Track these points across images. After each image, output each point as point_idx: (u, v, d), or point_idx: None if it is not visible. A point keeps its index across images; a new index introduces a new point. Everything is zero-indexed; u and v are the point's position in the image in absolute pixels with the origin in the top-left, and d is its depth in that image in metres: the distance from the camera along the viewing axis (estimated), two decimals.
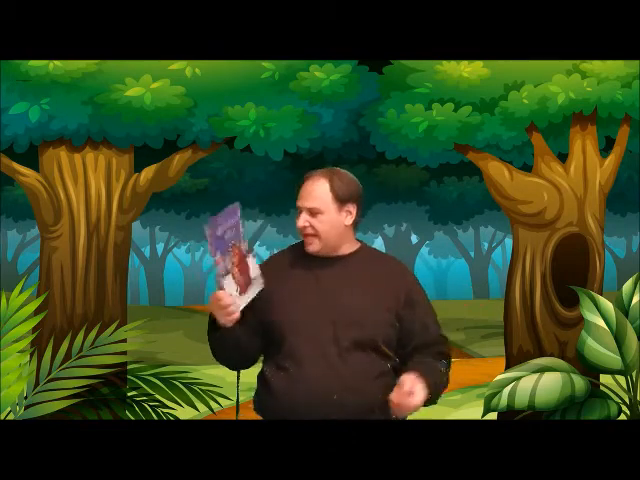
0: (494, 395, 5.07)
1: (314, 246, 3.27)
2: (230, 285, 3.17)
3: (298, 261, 3.34)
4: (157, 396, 5.79)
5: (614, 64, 5.60)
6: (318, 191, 3.26)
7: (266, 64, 5.57)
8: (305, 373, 3.23)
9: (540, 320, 5.92)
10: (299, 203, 3.28)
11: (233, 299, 3.17)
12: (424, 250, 20.55)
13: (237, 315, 3.21)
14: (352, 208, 3.30)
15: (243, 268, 3.20)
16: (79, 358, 5.18)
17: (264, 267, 3.36)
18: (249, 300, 3.22)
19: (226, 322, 3.20)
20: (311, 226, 3.26)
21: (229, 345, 3.30)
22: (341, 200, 3.27)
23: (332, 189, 3.27)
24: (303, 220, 3.26)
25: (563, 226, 5.90)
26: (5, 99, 5.48)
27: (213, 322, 3.29)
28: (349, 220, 3.31)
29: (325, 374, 3.22)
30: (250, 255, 3.23)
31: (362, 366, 3.25)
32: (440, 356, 3.34)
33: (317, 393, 3.22)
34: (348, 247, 3.34)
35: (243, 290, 3.21)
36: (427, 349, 3.33)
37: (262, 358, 3.45)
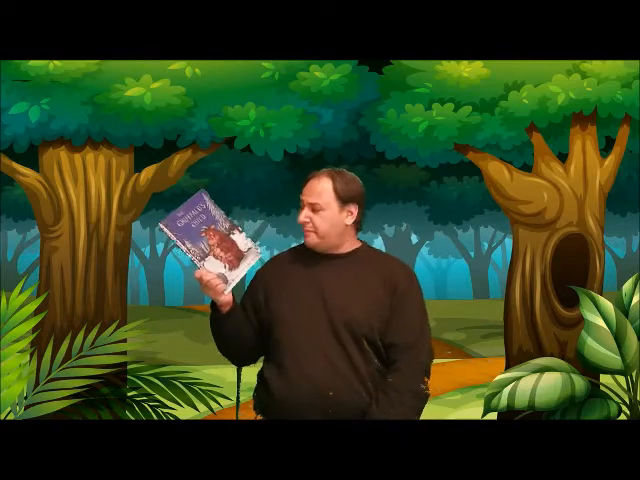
0: (494, 395, 5.07)
1: (311, 239, 3.40)
2: (214, 265, 3.36)
3: (299, 261, 3.44)
4: (157, 396, 5.79)
5: (614, 64, 5.59)
6: (321, 188, 3.38)
7: (266, 64, 5.56)
8: (303, 371, 3.31)
9: (540, 320, 5.92)
10: (302, 197, 3.42)
11: (221, 276, 3.36)
12: (424, 250, 20.54)
13: (228, 295, 3.37)
14: (353, 208, 3.41)
15: (227, 246, 3.39)
16: (79, 358, 5.18)
17: (266, 267, 3.53)
18: (246, 269, 3.41)
19: (217, 298, 3.37)
20: (311, 222, 3.39)
21: (228, 334, 3.42)
22: (343, 200, 3.39)
23: (335, 188, 3.38)
24: (304, 215, 3.41)
25: (563, 226, 5.90)
26: (5, 99, 5.47)
27: (212, 310, 3.43)
28: (349, 220, 3.41)
29: (322, 372, 3.30)
30: (235, 231, 3.41)
31: (359, 364, 3.32)
32: (412, 368, 3.35)
33: (314, 391, 3.29)
34: (349, 246, 3.44)
35: (235, 265, 3.39)
36: (402, 354, 3.35)
37: (263, 358, 3.49)
